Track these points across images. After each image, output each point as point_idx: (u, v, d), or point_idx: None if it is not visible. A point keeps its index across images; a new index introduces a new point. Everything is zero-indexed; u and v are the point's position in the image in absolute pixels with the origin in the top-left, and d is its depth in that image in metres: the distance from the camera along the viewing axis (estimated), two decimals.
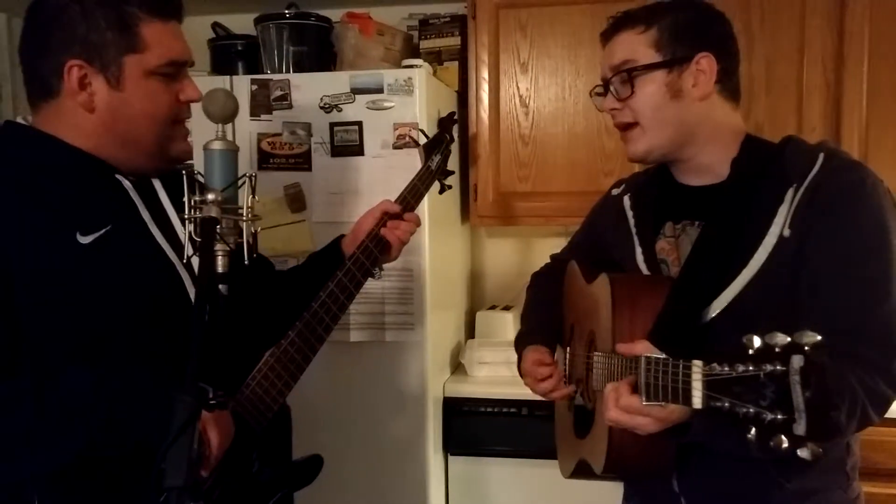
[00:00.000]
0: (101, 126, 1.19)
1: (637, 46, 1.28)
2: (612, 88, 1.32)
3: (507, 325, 2.67)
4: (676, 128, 1.29)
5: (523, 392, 2.33)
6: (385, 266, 1.53)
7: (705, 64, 1.26)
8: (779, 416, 0.85)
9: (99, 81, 1.17)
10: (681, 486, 1.30)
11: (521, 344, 1.56)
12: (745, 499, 1.27)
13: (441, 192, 1.79)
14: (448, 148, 1.77)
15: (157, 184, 1.27)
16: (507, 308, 2.77)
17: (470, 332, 2.78)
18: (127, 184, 1.22)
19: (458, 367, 2.64)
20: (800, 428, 0.83)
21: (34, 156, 1.19)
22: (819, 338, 0.84)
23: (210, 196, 1.08)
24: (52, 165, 1.19)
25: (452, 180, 1.83)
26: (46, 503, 1.10)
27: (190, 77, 1.25)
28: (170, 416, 0.89)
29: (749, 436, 0.87)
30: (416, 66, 2.30)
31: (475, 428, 2.42)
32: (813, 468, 1.24)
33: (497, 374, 2.50)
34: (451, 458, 2.46)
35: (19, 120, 1.23)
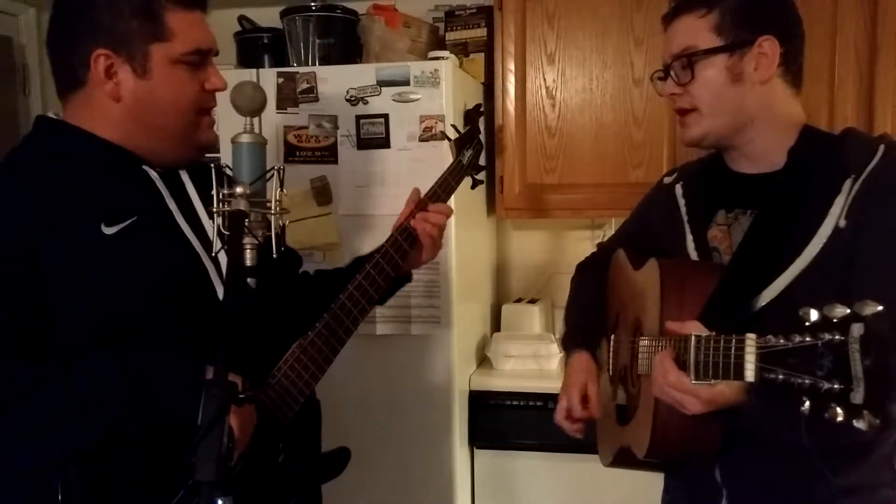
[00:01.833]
0: (128, 115, 1.20)
1: (698, 31, 1.27)
2: (672, 73, 1.31)
3: (534, 318, 2.66)
4: (735, 112, 1.27)
5: (549, 385, 2.34)
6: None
7: (767, 47, 1.24)
8: (836, 386, 0.84)
9: (125, 70, 1.18)
10: (723, 476, 1.29)
11: (567, 344, 1.56)
12: (790, 492, 1.25)
13: (473, 187, 1.79)
14: (480, 143, 1.76)
15: (184, 175, 1.28)
16: (532, 301, 2.75)
17: (496, 325, 2.77)
18: (154, 174, 1.23)
19: (483, 361, 2.62)
20: (857, 396, 0.82)
21: (62, 148, 1.20)
22: (880, 308, 0.83)
23: (238, 189, 1.08)
24: (80, 157, 1.20)
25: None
26: (70, 487, 1.11)
27: (215, 66, 1.26)
28: (198, 407, 0.89)
29: (803, 408, 0.86)
30: (443, 58, 2.29)
31: (501, 421, 2.41)
32: (860, 463, 1.23)
33: (523, 367, 2.49)
34: (476, 451, 2.45)
35: (51, 115, 1.25)
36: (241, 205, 1.07)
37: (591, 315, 1.57)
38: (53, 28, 1.21)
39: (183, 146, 1.24)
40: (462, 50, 2.64)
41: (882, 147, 1.21)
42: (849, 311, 0.84)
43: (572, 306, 1.63)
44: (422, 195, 1.55)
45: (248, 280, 1.06)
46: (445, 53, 2.34)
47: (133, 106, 1.19)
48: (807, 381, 0.86)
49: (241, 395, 0.97)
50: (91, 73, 1.18)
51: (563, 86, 2.53)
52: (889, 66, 2.27)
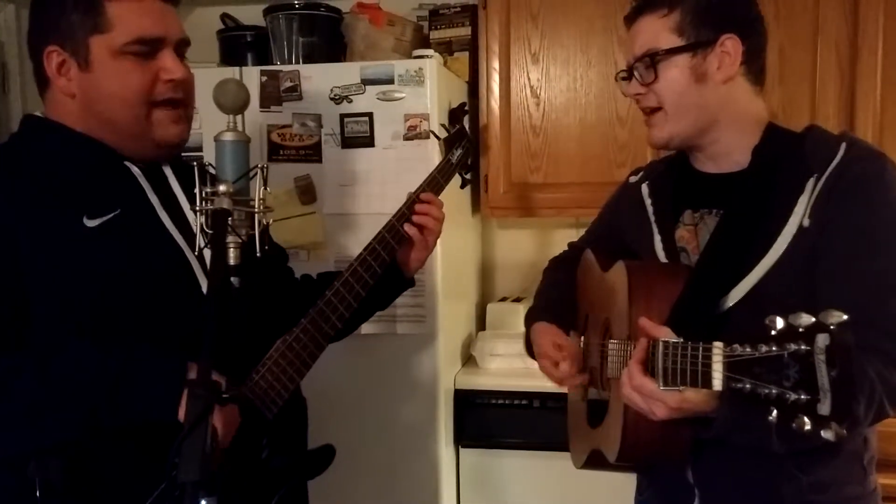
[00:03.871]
0: (83, 110, 1.19)
1: (660, 32, 1.27)
2: (636, 74, 1.31)
3: (519, 316, 2.65)
4: (700, 112, 1.28)
5: (535, 384, 2.35)
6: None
7: (730, 46, 1.24)
8: (802, 397, 0.84)
9: (73, 66, 1.17)
10: (695, 477, 1.29)
11: (531, 319, 1.54)
12: (761, 491, 1.25)
13: (462, 186, 1.79)
14: (470, 142, 1.76)
15: (168, 171, 1.27)
16: (518, 300, 2.76)
17: (481, 324, 2.78)
18: (136, 170, 1.23)
19: (469, 359, 2.63)
20: (824, 408, 0.82)
21: (46, 145, 1.20)
22: (845, 317, 0.83)
23: (222, 188, 1.08)
24: (63, 153, 1.20)
25: None
26: (49, 482, 1.10)
27: (173, 55, 1.20)
28: (177, 403, 0.88)
29: (770, 418, 0.86)
30: (427, 56, 2.28)
31: (486, 420, 2.41)
32: (829, 460, 1.23)
33: (508, 365, 2.49)
34: (462, 450, 2.46)
35: (38, 113, 1.25)
36: (225, 203, 1.06)
37: (558, 300, 1.56)
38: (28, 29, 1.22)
39: (139, 142, 1.21)
40: (446, 49, 2.63)
41: (843, 145, 1.21)
42: (814, 319, 0.83)
43: (541, 294, 1.63)
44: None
45: (232, 279, 1.06)
46: (430, 52, 2.33)
47: (84, 101, 1.18)
48: (774, 391, 0.86)
49: (224, 395, 0.96)
50: (47, 70, 1.18)
51: (548, 85, 2.53)
52: (870, 66, 2.29)
